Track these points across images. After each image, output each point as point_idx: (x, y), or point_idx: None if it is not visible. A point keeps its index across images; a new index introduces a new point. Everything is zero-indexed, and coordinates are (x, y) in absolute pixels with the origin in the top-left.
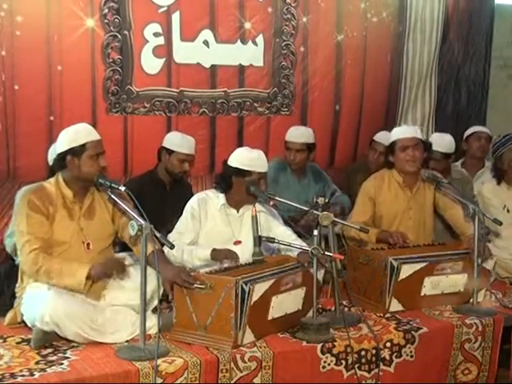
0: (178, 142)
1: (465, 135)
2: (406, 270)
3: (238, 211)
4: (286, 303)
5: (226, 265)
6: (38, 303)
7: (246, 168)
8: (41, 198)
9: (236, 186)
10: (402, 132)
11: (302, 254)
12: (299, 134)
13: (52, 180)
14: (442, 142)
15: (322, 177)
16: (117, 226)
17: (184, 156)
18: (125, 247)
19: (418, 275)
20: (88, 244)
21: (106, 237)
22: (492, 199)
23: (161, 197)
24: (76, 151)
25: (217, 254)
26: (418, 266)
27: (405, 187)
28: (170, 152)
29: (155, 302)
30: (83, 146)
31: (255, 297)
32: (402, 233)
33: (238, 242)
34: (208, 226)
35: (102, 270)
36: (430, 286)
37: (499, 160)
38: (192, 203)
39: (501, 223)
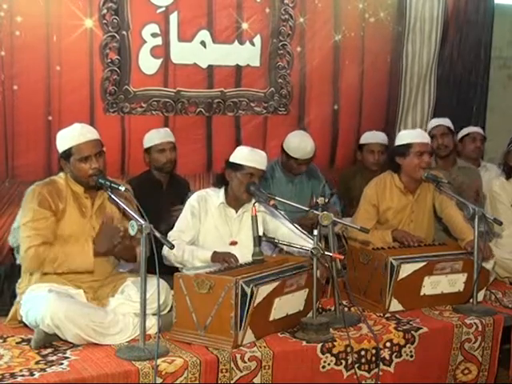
0: (148, 138)
1: (459, 136)
2: (406, 270)
3: (236, 211)
4: (288, 304)
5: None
6: (39, 306)
7: (237, 161)
8: (51, 193)
9: (230, 181)
10: (418, 135)
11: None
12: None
13: (62, 175)
14: (442, 120)
15: (316, 174)
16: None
17: (159, 146)
18: None
19: (417, 275)
20: None
21: None
22: (502, 195)
23: (158, 196)
24: (65, 156)
25: (216, 257)
26: (417, 266)
27: (407, 192)
28: (148, 150)
29: (155, 305)
30: (69, 150)
31: (259, 299)
32: (417, 238)
33: (233, 243)
34: (207, 224)
35: (104, 242)
36: (429, 286)
37: (508, 156)
38: (192, 201)
39: (501, 223)
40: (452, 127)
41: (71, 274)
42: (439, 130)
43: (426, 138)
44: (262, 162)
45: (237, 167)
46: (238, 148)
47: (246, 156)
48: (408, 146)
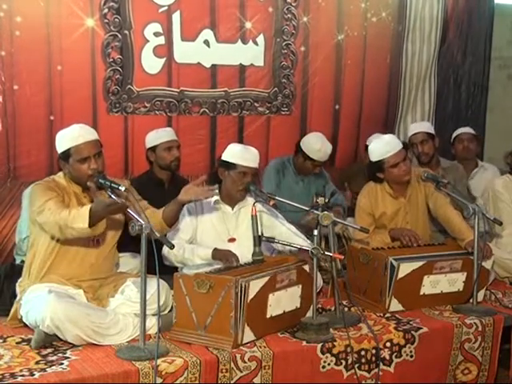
0: (155, 136)
1: (452, 139)
2: (405, 269)
3: (232, 208)
4: (283, 301)
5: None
6: (39, 307)
7: (230, 160)
8: (56, 186)
9: (224, 180)
10: (387, 150)
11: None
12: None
13: (61, 174)
14: (421, 125)
15: (323, 174)
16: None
17: (167, 144)
18: (126, 248)
19: (416, 274)
20: (97, 240)
21: (115, 234)
22: (504, 194)
23: (159, 196)
24: (63, 157)
25: (218, 254)
26: (416, 265)
27: (397, 196)
28: (154, 148)
29: (155, 305)
30: (68, 151)
31: (251, 294)
32: (413, 233)
33: (232, 240)
34: (203, 222)
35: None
36: (429, 285)
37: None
38: None
39: (501, 223)
40: (432, 131)
41: (71, 271)
42: (418, 137)
43: (396, 147)
44: (254, 160)
45: (230, 166)
46: (230, 146)
47: (239, 155)
48: (381, 163)
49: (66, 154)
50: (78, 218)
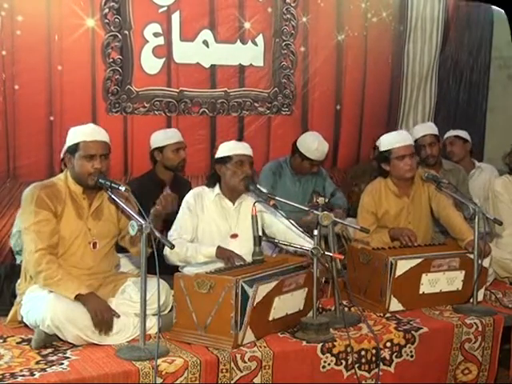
0: (163, 136)
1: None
2: (402, 266)
3: (233, 203)
4: (287, 304)
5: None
6: (39, 307)
7: (224, 154)
8: (49, 196)
9: (223, 176)
10: (397, 140)
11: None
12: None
13: (62, 175)
14: (427, 127)
15: (321, 172)
16: (121, 226)
17: (175, 145)
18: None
19: (414, 271)
20: (94, 243)
21: (112, 237)
22: (504, 194)
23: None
24: (71, 150)
25: (221, 254)
26: (413, 262)
27: (401, 195)
28: (161, 149)
29: (156, 305)
30: (77, 145)
31: (258, 298)
32: (412, 232)
33: (234, 236)
34: (205, 219)
35: (94, 305)
36: (428, 284)
37: (510, 156)
38: (188, 198)
39: (501, 223)
40: (437, 133)
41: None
42: (426, 139)
43: (406, 141)
44: (247, 148)
45: (226, 160)
46: (222, 144)
47: (232, 147)
48: (389, 153)
49: (74, 148)
50: (69, 284)
